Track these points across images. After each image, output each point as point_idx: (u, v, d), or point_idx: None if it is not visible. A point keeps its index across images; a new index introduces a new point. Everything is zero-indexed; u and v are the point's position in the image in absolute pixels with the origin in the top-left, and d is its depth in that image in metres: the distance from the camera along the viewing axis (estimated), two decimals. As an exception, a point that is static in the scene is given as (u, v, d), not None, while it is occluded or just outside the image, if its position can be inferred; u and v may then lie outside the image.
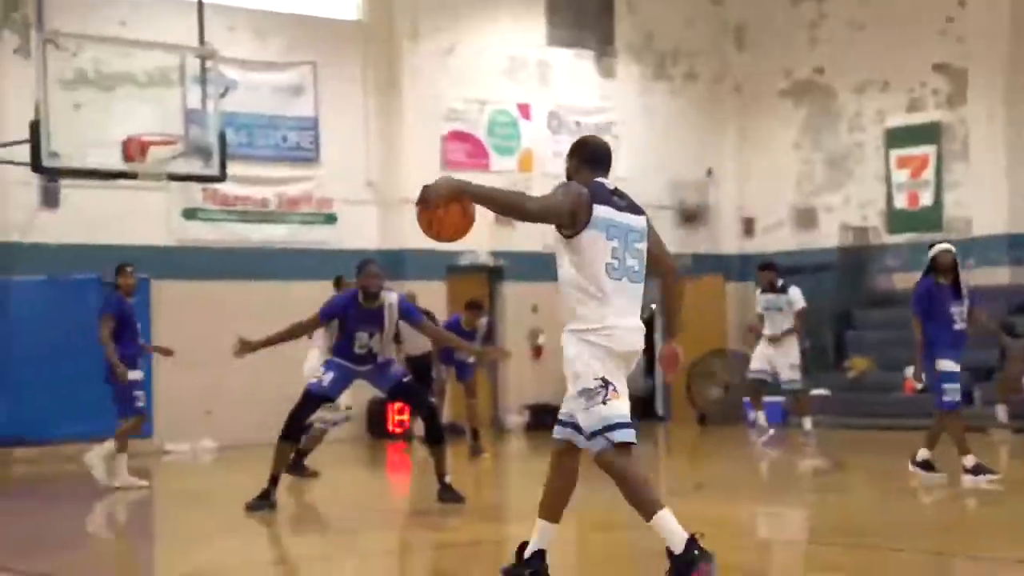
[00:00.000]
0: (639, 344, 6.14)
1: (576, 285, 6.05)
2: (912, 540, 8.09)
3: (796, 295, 14.71)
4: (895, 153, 19.43)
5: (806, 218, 20.42)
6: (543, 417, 18.69)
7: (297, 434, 10.04)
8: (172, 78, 14.32)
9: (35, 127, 11.48)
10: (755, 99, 20.94)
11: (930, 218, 18.96)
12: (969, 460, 10.62)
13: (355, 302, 9.78)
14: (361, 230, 17.83)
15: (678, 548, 5.82)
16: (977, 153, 18.61)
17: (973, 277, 14.70)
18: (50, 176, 14.06)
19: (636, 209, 6.24)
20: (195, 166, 12.86)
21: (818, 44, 20.26)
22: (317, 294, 15.88)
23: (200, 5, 12.15)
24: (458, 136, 18.54)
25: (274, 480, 9.81)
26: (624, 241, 6.10)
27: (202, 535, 9.12)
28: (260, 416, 13.57)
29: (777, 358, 14.61)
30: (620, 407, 6.00)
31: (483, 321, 14.72)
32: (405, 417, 17.31)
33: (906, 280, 18.11)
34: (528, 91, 19.29)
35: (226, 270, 16.63)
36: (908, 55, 19.10)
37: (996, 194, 18.43)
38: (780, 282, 14.78)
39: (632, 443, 5.99)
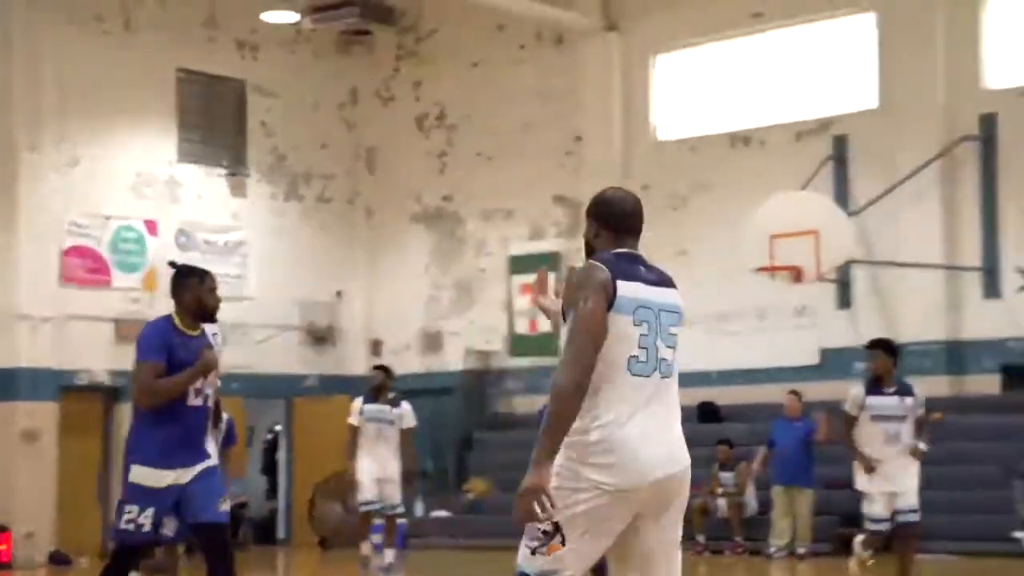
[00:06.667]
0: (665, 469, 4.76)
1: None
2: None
3: (407, 411, 13.66)
4: (517, 279, 20.01)
5: (432, 341, 20.77)
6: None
7: None
8: None
9: None
10: (387, 223, 21.23)
11: (549, 344, 19.65)
12: None
13: None
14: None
15: None
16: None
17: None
18: None
19: (668, 281, 4.93)
20: None
21: (447, 171, 20.82)
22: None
23: None
24: (78, 251, 17.83)
25: None
26: (656, 324, 4.79)
27: None
28: None
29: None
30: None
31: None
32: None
33: (526, 404, 18.68)
34: (156, 207, 18.85)
35: None
36: (532, 186, 19.85)
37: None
38: (392, 393, 13.67)
39: None
